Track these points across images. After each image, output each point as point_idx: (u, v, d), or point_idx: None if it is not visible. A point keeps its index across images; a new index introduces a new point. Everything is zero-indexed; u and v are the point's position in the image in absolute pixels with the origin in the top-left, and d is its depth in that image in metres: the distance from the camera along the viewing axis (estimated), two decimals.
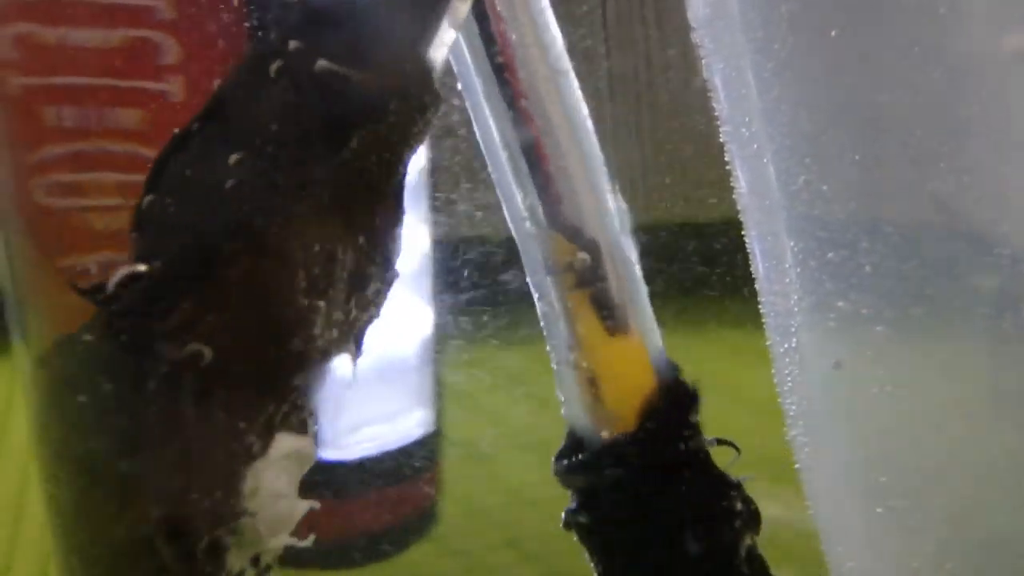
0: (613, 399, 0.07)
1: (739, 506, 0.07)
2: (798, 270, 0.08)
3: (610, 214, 0.07)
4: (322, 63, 0.06)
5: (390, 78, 0.06)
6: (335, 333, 0.06)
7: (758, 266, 0.08)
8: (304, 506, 0.06)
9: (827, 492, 0.08)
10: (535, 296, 0.07)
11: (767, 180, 0.08)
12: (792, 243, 0.08)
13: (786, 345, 0.08)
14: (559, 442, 0.08)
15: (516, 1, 0.07)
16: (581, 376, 0.07)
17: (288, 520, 0.06)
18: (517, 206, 0.07)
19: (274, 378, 0.06)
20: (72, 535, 0.08)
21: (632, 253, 0.07)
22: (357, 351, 0.06)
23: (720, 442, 0.08)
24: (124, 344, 0.06)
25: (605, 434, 0.07)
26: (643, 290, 0.07)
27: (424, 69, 0.06)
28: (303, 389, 0.06)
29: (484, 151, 0.07)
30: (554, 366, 0.07)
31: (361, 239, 0.06)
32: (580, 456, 0.07)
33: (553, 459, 0.07)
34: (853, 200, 0.08)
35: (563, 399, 0.07)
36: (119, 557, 0.06)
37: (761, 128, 0.08)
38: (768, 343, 0.08)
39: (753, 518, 0.07)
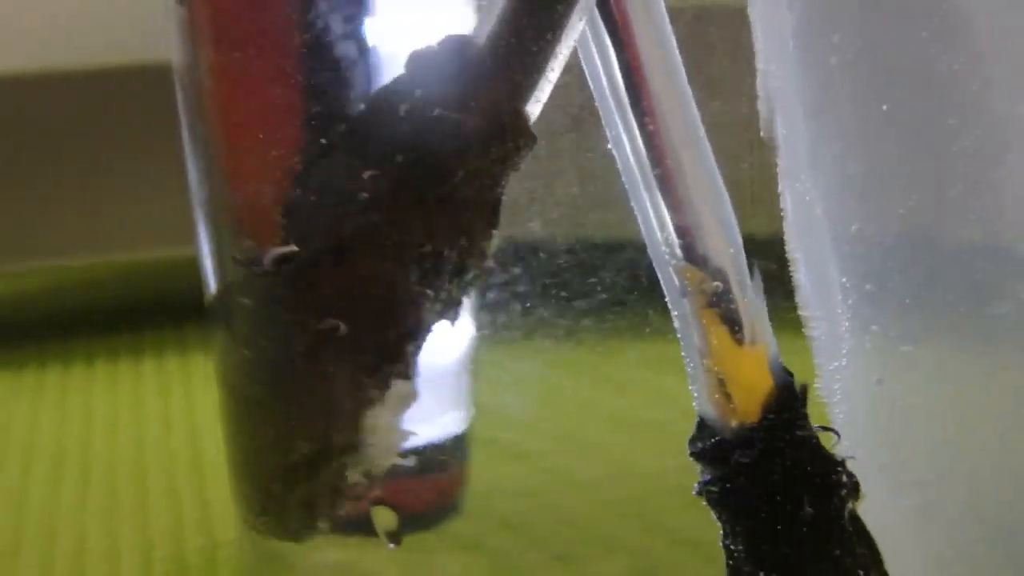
0: (739, 397, 0.09)
1: (844, 479, 0.09)
2: (849, 301, 0.09)
3: (735, 244, 0.09)
4: (439, 111, 0.08)
5: (492, 125, 0.08)
6: (439, 308, 0.08)
7: (806, 293, 0.09)
8: (406, 435, 0.09)
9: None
10: (672, 311, 0.09)
11: (817, 222, 0.09)
12: (843, 279, 0.09)
13: (835, 364, 0.09)
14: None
15: (649, 43, 0.09)
16: (712, 378, 0.09)
17: (395, 446, 0.09)
18: (657, 239, 0.09)
19: (391, 348, 0.09)
20: (243, 462, 0.10)
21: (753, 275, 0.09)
22: (455, 319, 0.09)
23: (823, 429, 0.09)
24: (277, 312, 0.09)
25: (733, 424, 0.09)
26: (763, 307, 0.09)
27: (521, 118, 0.08)
28: (412, 352, 0.09)
29: (628, 190, 0.09)
30: (688, 369, 0.09)
31: (464, 240, 0.08)
32: (712, 441, 0.09)
33: (688, 442, 0.09)
34: (895, 236, 0.10)
35: (695, 395, 0.09)
36: (277, 479, 0.09)
37: (809, 175, 0.09)
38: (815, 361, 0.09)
39: (855, 488, 0.09)
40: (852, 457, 0.09)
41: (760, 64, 0.09)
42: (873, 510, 0.09)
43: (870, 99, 0.09)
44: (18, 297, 0.27)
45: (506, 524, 0.12)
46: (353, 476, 0.09)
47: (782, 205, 0.09)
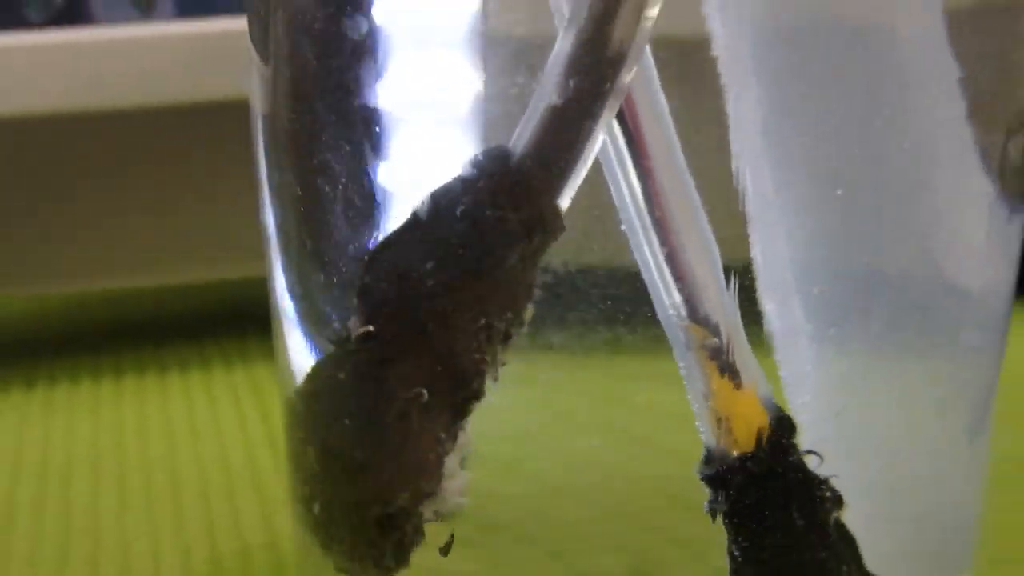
0: (739, 431, 0.10)
1: (828, 493, 0.11)
2: (814, 345, 0.11)
3: (729, 306, 0.10)
4: (490, 211, 0.10)
5: (534, 219, 0.10)
6: (493, 370, 0.10)
7: (776, 339, 0.11)
8: (466, 476, 0.10)
9: None
10: (678, 361, 0.11)
11: (786, 279, 0.11)
12: (809, 325, 0.11)
13: (801, 400, 0.11)
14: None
15: (660, 151, 0.10)
16: (714, 415, 0.11)
17: (460, 488, 0.11)
18: (665, 303, 0.11)
19: (461, 407, 0.10)
20: (338, 518, 0.12)
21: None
22: (496, 377, 0.10)
23: (808, 452, 0.11)
24: (367, 385, 0.11)
25: (735, 453, 0.10)
26: (751, 354, 0.10)
27: (557, 212, 0.10)
28: (472, 408, 0.10)
29: (639, 263, 0.11)
30: (694, 408, 0.11)
31: (510, 313, 0.10)
32: (719, 467, 0.11)
33: (696, 468, 0.11)
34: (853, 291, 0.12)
35: (701, 430, 0.11)
36: (377, 527, 0.11)
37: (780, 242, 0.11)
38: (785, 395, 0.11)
39: (838, 501, 0.11)
40: (835, 476, 0.11)
41: (734, 148, 0.11)
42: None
43: (827, 180, 0.11)
44: (48, 317, 0.29)
45: (499, 525, 0.14)
46: (428, 516, 0.11)
47: (755, 264, 0.11)
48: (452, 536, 0.11)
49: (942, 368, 0.13)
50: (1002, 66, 0.13)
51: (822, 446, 0.11)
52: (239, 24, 0.25)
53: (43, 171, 0.25)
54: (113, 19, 0.24)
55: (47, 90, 0.24)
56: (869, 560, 0.11)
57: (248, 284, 0.28)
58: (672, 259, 0.10)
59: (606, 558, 0.13)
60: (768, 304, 0.11)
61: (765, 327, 0.11)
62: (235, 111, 0.26)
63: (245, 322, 0.29)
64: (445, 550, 0.12)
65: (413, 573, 0.12)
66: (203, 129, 0.25)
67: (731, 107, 0.10)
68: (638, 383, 0.13)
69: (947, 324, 0.13)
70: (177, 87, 0.24)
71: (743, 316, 0.11)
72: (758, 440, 0.10)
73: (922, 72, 0.12)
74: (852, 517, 0.11)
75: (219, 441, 0.24)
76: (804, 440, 0.11)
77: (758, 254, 0.11)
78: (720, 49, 0.11)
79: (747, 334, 0.11)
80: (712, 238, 0.10)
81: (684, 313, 0.10)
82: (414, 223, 0.11)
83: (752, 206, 0.11)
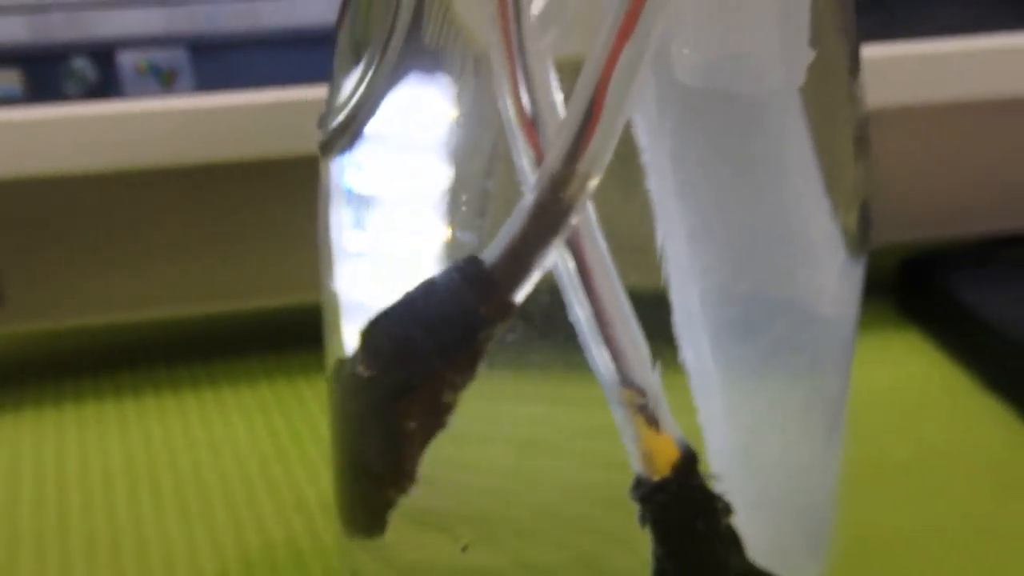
0: (659, 463, 0.15)
1: (720, 505, 0.15)
2: (719, 391, 0.16)
3: (652, 377, 0.15)
4: (467, 305, 0.14)
5: (499, 311, 0.14)
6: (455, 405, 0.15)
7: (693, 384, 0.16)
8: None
9: None
10: (614, 413, 0.15)
11: (699, 341, 0.15)
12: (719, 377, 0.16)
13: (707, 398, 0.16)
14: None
15: (599, 270, 0.15)
16: (642, 451, 0.15)
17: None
18: (605, 373, 0.15)
19: (436, 429, 0.15)
20: (356, 497, 0.17)
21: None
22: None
23: (708, 476, 0.15)
24: (381, 413, 0.15)
25: (656, 478, 0.15)
26: (667, 409, 0.15)
27: (513, 307, 0.14)
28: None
29: (589, 345, 0.15)
30: (627, 445, 0.15)
31: (468, 371, 0.15)
32: (644, 489, 0.15)
33: (630, 489, 0.15)
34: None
35: (632, 460, 0.15)
36: (378, 502, 0.15)
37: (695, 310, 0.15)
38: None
39: (727, 509, 0.15)
40: (726, 492, 0.15)
41: (659, 240, 0.15)
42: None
43: (725, 235, 0.15)
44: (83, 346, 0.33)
45: (471, 518, 0.18)
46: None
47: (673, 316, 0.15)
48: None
49: (806, 382, 0.17)
50: (835, 148, 0.17)
51: (724, 458, 0.16)
52: (244, 98, 0.29)
53: (80, 221, 0.29)
54: (139, 93, 0.28)
55: (82, 153, 0.27)
56: (753, 553, 0.16)
57: (253, 315, 0.32)
58: (610, 345, 0.14)
59: (560, 552, 0.17)
60: (687, 354, 0.15)
61: (686, 371, 0.15)
62: (241, 169, 0.30)
63: (252, 349, 0.33)
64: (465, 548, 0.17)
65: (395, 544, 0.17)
66: (215, 184, 0.29)
67: (652, 184, 0.15)
68: (594, 408, 0.18)
69: (810, 345, 0.17)
70: (192, 151, 0.28)
71: (667, 362, 0.15)
72: (672, 470, 0.15)
73: (794, 154, 0.16)
74: (741, 519, 0.16)
75: (235, 452, 0.28)
76: (711, 454, 0.16)
77: (675, 304, 0.15)
78: (645, 152, 0.15)
79: (669, 375, 0.15)
80: (639, 330, 0.14)
81: (619, 380, 0.15)
82: (410, 302, 0.15)
83: (672, 267, 0.15)
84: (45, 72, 0.27)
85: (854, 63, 0.16)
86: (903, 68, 0.31)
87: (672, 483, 0.15)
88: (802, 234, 0.17)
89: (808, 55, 0.15)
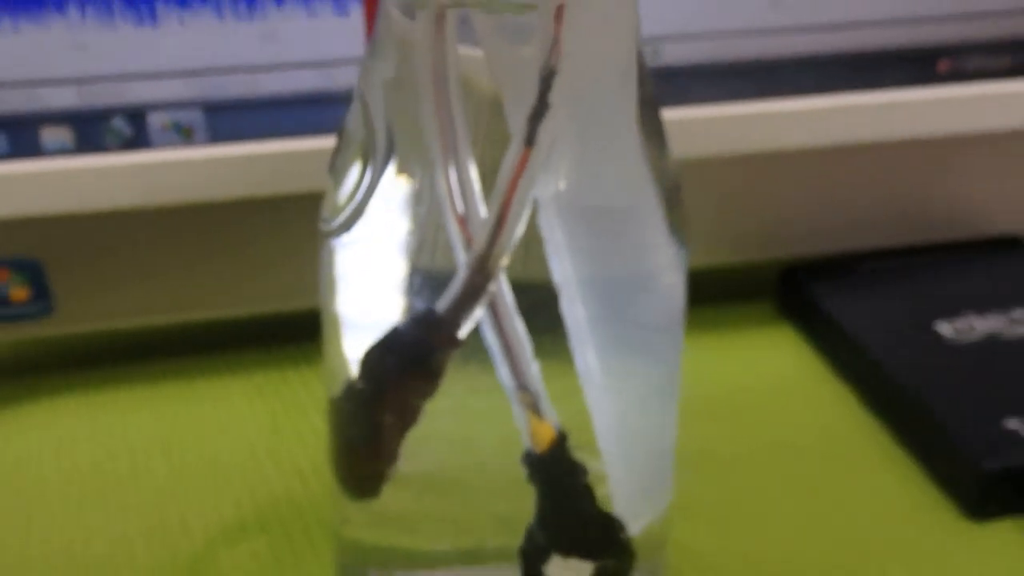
0: (538, 440, 0.22)
1: (582, 469, 0.23)
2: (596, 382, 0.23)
3: (539, 383, 0.22)
4: (425, 340, 0.22)
5: (449, 346, 0.22)
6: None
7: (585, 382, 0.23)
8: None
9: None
10: (513, 407, 0.23)
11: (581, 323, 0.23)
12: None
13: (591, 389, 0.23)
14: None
15: (506, 320, 0.22)
16: (531, 433, 0.23)
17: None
18: (507, 379, 0.22)
19: (410, 420, 0.22)
20: (348, 464, 0.25)
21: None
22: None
23: (576, 449, 0.23)
24: (366, 407, 0.23)
25: (539, 451, 0.23)
26: (550, 404, 0.22)
27: (458, 342, 0.21)
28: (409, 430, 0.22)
29: (497, 362, 0.23)
30: (520, 427, 0.23)
31: (428, 389, 0.22)
32: (530, 459, 0.23)
33: (521, 459, 0.23)
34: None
35: (523, 438, 0.23)
36: (367, 470, 0.23)
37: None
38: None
39: (584, 471, 0.22)
40: (586, 468, 0.23)
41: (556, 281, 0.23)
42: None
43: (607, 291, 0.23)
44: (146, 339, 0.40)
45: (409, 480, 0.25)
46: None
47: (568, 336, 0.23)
48: None
49: (651, 360, 0.25)
50: (664, 206, 0.25)
51: (602, 427, 0.23)
52: (247, 148, 0.36)
53: (116, 247, 0.36)
54: (164, 145, 0.35)
55: (119, 193, 0.35)
56: (617, 500, 0.23)
57: (253, 318, 0.39)
58: (511, 364, 0.22)
59: (485, 497, 0.25)
60: (578, 362, 0.23)
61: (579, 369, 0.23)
62: (244, 205, 0.37)
63: (252, 346, 0.40)
64: None
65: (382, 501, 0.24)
66: (224, 216, 0.37)
67: (550, 251, 0.22)
68: (503, 404, 0.25)
69: (654, 335, 0.25)
70: (205, 190, 0.35)
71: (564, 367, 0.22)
72: (549, 446, 0.22)
73: (635, 223, 0.24)
74: (612, 473, 0.24)
75: (242, 428, 0.36)
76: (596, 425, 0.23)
77: (569, 328, 0.23)
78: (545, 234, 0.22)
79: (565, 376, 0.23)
80: (532, 355, 0.22)
81: (517, 385, 0.22)
82: (389, 338, 0.23)
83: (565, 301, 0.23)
84: (90, 129, 0.34)
85: (662, 148, 0.24)
86: (776, 122, 0.39)
87: (548, 455, 0.22)
88: (649, 266, 0.24)
89: (636, 170, 0.23)
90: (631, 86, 0.23)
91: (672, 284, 0.25)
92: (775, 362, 0.40)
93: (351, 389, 0.23)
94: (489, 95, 0.21)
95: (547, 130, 0.21)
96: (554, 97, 0.21)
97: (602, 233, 0.23)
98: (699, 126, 0.38)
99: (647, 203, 0.24)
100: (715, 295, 0.43)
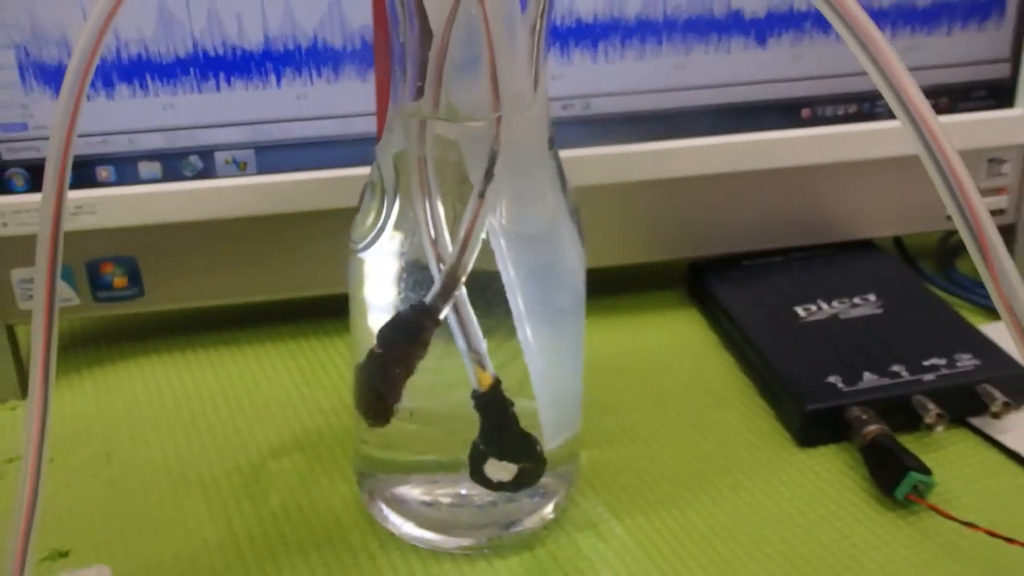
0: (482, 383, 0.35)
1: (508, 401, 0.35)
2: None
3: (483, 346, 0.35)
4: (420, 320, 0.35)
5: (432, 324, 0.34)
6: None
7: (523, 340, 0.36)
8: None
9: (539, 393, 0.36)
10: (467, 367, 0.36)
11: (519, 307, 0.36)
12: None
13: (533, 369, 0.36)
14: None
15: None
16: (477, 378, 0.35)
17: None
18: (462, 346, 0.36)
19: (409, 371, 0.36)
20: (365, 401, 0.38)
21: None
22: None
23: (502, 391, 0.36)
24: (381, 364, 0.37)
25: (482, 390, 0.35)
26: (489, 360, 0.35)
27: (439, 321, 0.34)
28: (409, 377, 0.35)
29: (456, 335, 0.36)
30: (470, 375, 0.36)
31: (422, 352, 0.35)
32: (475, 395, 0.35)
33: (471, 395, 0.36)
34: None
35: (472, 383, 0.36)
36: (380, 405, 0.36)
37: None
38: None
39: (511, 403, 0.34)
40: (513, 402, 0.36)
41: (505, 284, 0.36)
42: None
43: (539, 282, 0.36)
44: (236, 313, 0.53)
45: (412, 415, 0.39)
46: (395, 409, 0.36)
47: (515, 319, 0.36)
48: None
49: (565, 331, 0.38)
50: (575, 226, 0.38)
51: (534, 375, 0.37)
52: (286, 177, 0.50)
53: (190, 247, 0.49)
54: (225, 175, 0.48)
55: (193, 209, 0.48)
56: (544, 426, 0.37)
57: (293, 300, 0.52)
58: (465, 335, 0.35)
59: (451, 423, 0.38)
60: (520, 333, 0.36)
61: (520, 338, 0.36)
62: (285, 217, 0.50)
63: (291, 320, 0.54)
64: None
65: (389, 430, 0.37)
66: (270, 225, 0.50)
67: (499, 264, 0.35)
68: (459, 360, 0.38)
69: (570, 312, 0.38)
70: (256, 207, 0.48)
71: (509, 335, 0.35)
72: (488, 387, 0.35)
73: (555, 243, 0.37)
74: (540, 408, 0.37)
75: (282, 380, 0.49)
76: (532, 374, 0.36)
77: (515, 310, 0.36)
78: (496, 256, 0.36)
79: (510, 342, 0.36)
80: (477, 327, 0.35)
81: (468, 350, 0.35)
82: (395, 319, 0.36)
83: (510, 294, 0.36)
84: (172, 164, 0.47)
85: (565, 185, 0.37)
86: (682, 156, 0.52)
87: (488, 393, 0.35)
88: (561, 268, 0.37)
89: (550, 205, 0.36)
90: (547, 153, 0.36)
91: (577, 279, 0.38)
92: (678, 335, 0.53)
93: (371, 352, 0.36)
94: (456, 164, 0.35)
95: (492, 190, 0.34)
96: (497, 168, 0.34)
97: (531, 248, 0.36)
98: (623, 159, 0.51)
99: (559, 226, 0.37)
100: (639, 285, 0.56)
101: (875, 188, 0.55)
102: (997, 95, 0.54)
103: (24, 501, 0.28)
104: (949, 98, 0.54)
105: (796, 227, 0.56)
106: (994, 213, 0.57)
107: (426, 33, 0.32)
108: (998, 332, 0.50)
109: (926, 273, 0.58)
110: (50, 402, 0.28)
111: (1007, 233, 0.58)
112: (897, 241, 0.61)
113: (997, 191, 0.56)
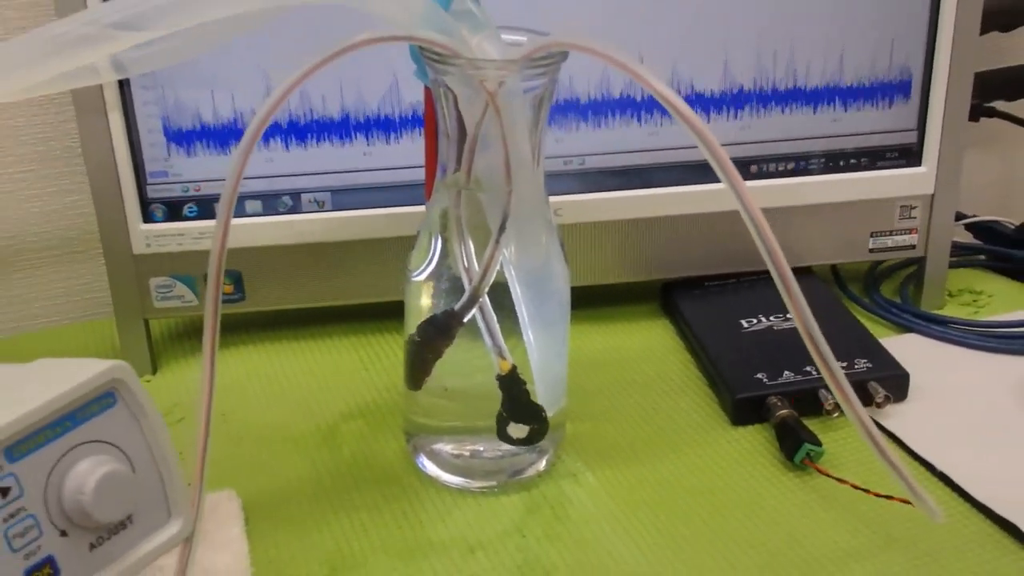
0: (503, 368, 0.50)
1: (523, 381, 0.50)
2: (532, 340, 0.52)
3: (502, 342, 0.51)
4: (450, 321, 0.51)
5: (458, 321, 0.51)
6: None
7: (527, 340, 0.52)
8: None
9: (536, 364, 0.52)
10: (491, 353, 0.51)
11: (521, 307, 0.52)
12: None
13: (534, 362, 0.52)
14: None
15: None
16: (498, 364, 0.51)
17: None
18: (487, 342, 0.51)
19: (437, 355, 0.52)
20: (409, 374, 0.55)
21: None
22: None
23: (520, 376, 0.52)
24: (421, 347, 0.53)
25: (503, 373, 0.51)
26: (509, 353, 0.51)
27: (463, 322, 0.50)
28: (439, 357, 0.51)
29: (483, 334, 0.51)
30: (495, 365, 0.51)
31: (448, 342, 0.52)
32: (498, 376, 0.51)
33: (495, 377, 0.51)
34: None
35: (496, 369, 0.51)
36: (418, 376, 0.52)
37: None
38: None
39: (524, 382, 0.50)
40: (525, 383, 0.51)
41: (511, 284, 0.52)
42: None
43: (537, 288, 0.52)
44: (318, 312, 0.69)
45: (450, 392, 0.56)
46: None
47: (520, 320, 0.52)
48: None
49: (554, 330, 0.54)
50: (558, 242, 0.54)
51: (535, 363, 0.52)
52: (357, 213, 0.67)
53: (280, 262, 0.65)
54: (309, 211, 0.64)
55: (287, 234, 0.64)
56: (540, 400, 0.52)
57: (362, 304, 0.69)
58: (489, 332, 0.50)
59: (479, 401, 0.54)
60: (523, 334, 0.52)
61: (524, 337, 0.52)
62: (355, 243, 0.67)
63: (357, 319, 0.70)
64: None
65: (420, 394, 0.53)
66: (345, 248, 0.66)
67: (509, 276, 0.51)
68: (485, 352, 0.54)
69: (559, 310, 0.54)
70: (334, 234, 0.64)
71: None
72: (507, 371, 0.50)
73: (549, 261, 0.53)
74: (537, 387, 0.52)
75: (348, 368, 0.65)
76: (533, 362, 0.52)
77: (520, 307, 0.51)
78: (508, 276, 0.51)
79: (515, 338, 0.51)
80: (498, 329, 0.50)
81: (492, 347, 0.51)
82: (431, 318, 0.51)
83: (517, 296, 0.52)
84: (270, 202, 0.63)
85: (552, 224, 0.53)
86: (656, 201, 0.67)
87: (507, 376, 0.51)
88: (553, 284, 0.53)
89: (544, 244, 0.52)
90: (543, 209, 0.52)
91: (564, 295, 0.54)
92: (650, 339, 0.69)
93: (411, 338, 0.52)
94: (481, 218, 0.50)
95: (505, 237, 0.50)
96: (508, 223, 0.50)
97: (530, 275, 0.52)
98: (611, 203, 0.67)
99: (550, 258, 0.52)
100: (620, 300, 0.72)
101: (810, 226, 0.70)
102: (906, 156, 0.69)
103: (199, 442, 0.44)
104: (869, 158, 0.69)
105: (747, 256, 0.70)
106: (907, 248, 0.72)
107: (463, 132, 0.48)
108: (897, 342, 0.66)
109: (854, 295, 0.74)
110: (215, 375, 0.44)
111: (918, 263, 0.73)
112: (833, 268, 0.76)
113: (909, 231, 0.71)
